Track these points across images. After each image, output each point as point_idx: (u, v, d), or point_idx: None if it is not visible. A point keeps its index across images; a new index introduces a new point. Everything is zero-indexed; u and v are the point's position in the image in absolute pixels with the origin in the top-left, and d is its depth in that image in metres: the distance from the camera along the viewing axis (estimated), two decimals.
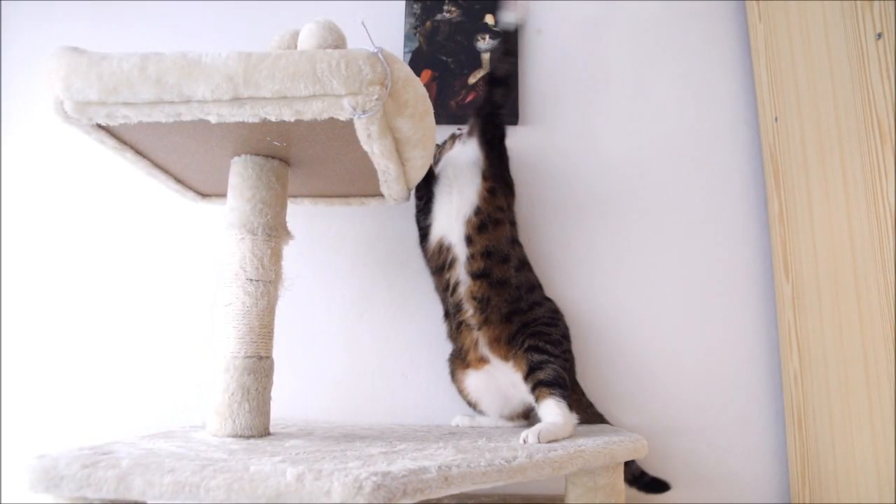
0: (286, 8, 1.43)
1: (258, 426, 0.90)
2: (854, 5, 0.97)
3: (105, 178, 1.36)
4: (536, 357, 1.02)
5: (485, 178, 1.13)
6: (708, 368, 1.25)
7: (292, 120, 0.79)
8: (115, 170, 1.30)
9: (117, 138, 0.93)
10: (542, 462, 0.77)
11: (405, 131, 0.87)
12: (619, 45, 1.41)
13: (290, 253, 1.01)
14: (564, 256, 1.30)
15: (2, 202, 1.36)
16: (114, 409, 1.25)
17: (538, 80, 1.40)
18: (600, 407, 1.19)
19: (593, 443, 0.88)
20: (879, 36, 0.91)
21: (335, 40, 0.85)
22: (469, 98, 1.35)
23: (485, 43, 1.39)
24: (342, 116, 0.78)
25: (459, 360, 1.14)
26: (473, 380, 1.12)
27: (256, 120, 0.79)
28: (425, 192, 1.19)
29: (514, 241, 1.16)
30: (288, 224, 1.02)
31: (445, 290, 1.12)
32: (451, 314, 1.13)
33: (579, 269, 1.30)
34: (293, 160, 1.01)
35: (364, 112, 0.76)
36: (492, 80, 1.23)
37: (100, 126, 0.88)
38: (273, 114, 0.78)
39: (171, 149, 0.97)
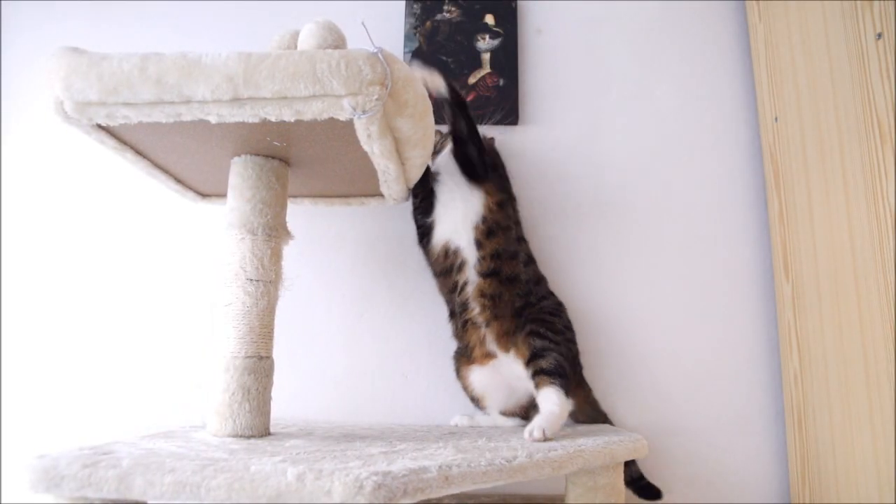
0: (286, 8, 1.43)
1: (258, 426, 0.90)
2: (854, 5, 0.97)
3: (105, 178, 1.36)
4: (538, 343, 1.02)
5: (489, 193, 1.13)
6: (708, 368, 1.25)
7: (292, 120, 0.78)
8: (115, 170, 1.30)
9: (117, 138, 0.93)
10: (542, 462, 0.77)
11: (405, 131, 0.87)
12: (619, 45, 1.41)
13: (290, 253, 1.01)
14: (564, 256, 1.30)
15: (2, 202, 1.37)
16: (114, 408, 1.25)
17: (538, 80, 1.40)
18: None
19: (593, 442, 0.88)
20: (879, 36, 0.91)
21: (335, 40, 0.85)
22: (469, 98, 1.35)
23: (485, 43, 1.39)
24: (342, 116, 0.78)
25: (465, 358, 1.14)
26: (478, 375, 1.12)
27: (256, 120, 0.79)
28: (422, 190, 1.18)
29: (521, 239, 1.17)
30: (288, 224, 1.02)
31: (452, 291, 1.13)
32: (458, 314, 1.14)
33: (578, 269, 1.30)
34: (293, 160, 1.01)
35: (364, 112, 0.76)
36: (454, 136, 1.15)
37: (100, 126, 0.88)
38: (273, 114, 0.78)
39: (171, 149, 0.97)
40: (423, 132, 0.91)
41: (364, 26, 0.84)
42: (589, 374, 1.20)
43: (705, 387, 1.24)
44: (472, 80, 1.37)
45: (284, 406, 1.11)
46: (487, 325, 1.09)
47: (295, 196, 1.21)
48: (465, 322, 1.11)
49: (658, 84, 1.39)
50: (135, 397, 1.26)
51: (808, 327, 1.12)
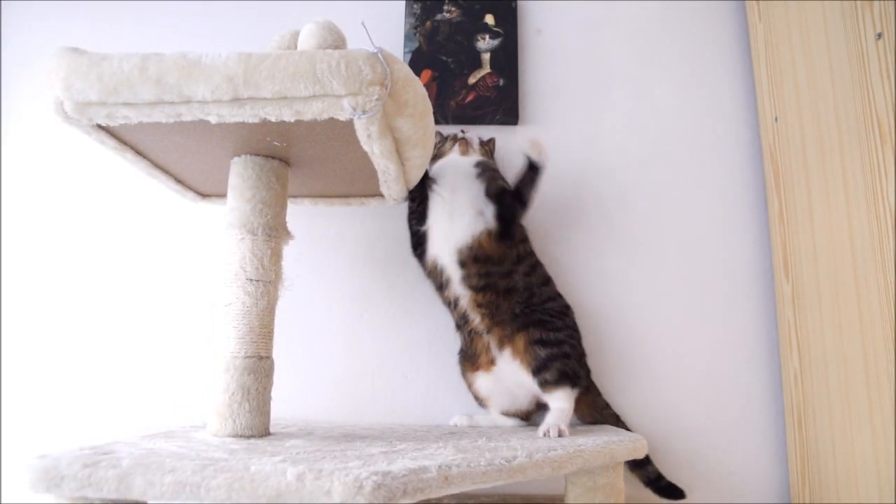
0: (286, 8, 1.43)
1: (258, 426, 0.90)
2: (854, 5, 0.97)
3: (105, 179, 1.36)
4: (543, 353, 1.02)
5: (489, 231, 1.09)
6: (708, 368, 1.25)
7: (292, 120, 0.79)
8: (115, 170, 1.30)
9: (117, 139, 0.93)
10: (541, 462, 0.77)
11: (405, 131, 0.87)
12: (620, 45, 1.41)
13: (290, 253, 1.02)
14: (564, 256, 1.30)
15: (2, 202, 1.37)
16: (114, 408, 1.25)
17: (538, 80, 1.40)
18: None
19: (593, 442, 0.88)
20: (879, 36, 0.91)
21: (335, 41, 0.85)
22: (469, 98, 1.35)
23: (485, 43, 1.39)
24: (342, 117, 0.78)
25: (471, 363, 1.14)
26: (483, 380, 1.12)
27: (256, 120, 0.79)
28: (419, 195, 1.16)
29: (521, 258, 1.12)
30: (288, 224, 1.02)
31: (449, 304, 1.13)
32: (461, 325, 1.13)
33: (578, 269, 1.30)
34: (293, 160, 1.01)
35: (364, 112, 0.76)
36: (519, 197, 1.13)
37: (100, 126, 0.88)
38: (273, 114, 0.78)
39: (172, 149, 0.97)
40: (423, 132, 0.91)
41: (364, 26, 0.84)
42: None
43: (705, 387, 1.24)
44: (472, 80, 1.37)
45: (284, 406, 1.11)
46: (489, 331, 1.09)
47: (295, 196, 1.21)
48: (470, 332, 1.11)
49: (658, 84, 1.39)
50: (135, 397, 1.26)
51: (808, 327, 1.12)
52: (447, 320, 1.20)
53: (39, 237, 1.34)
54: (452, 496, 0.87)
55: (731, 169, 1.34)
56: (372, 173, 1.00)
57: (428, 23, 1.40)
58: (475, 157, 1.20)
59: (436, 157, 1.21)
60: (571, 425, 1.02)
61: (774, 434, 1.22)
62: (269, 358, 0.95)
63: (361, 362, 1.28)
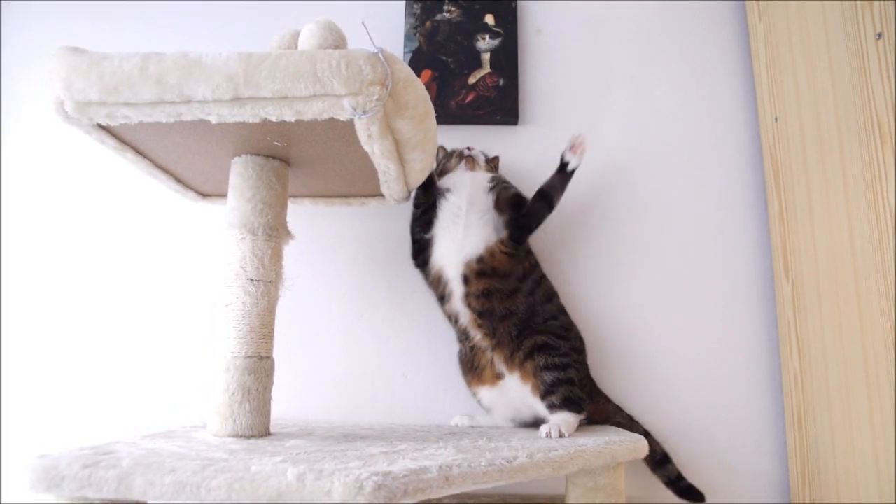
0: (286, 8, 1.43)
1: (259, 426, 0.90)
2: (854, 5, 0.97)
3: (105, 178, 1.36)
4: (549, 377, 1.02)
5: (501, 242, 1.10)
6: (708, 368, 1.25)
7: (293, 120, 0.78)
8: (115, 170, 1.30)
9: (118, 138, 0.93)
10: (542, 462, 0.77)
11: (405, 132, 0.87)
12: (620, 46, 1.41)
13: (291, 253, 1.01)
14: (563, 256, 1.30)
15: (2, 202, 1.36)
16: (114, 408, 1.25)
17: (538, 80, 1.40)
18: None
19: (594, 443, 0.88)
20: (879, 36, 0.91)
21: (336, 40, 0.85)
22: (469, 98, 1.35)
23: (485, 43, 1.39)
24: (343, 117, 0.78)
25: (474, 376, 1.13)
26: (488, 394, 1.11)
27: (257, 120, 0.79)
28: (424, 202, 1.16)
29: (526, 275, 1.12)
30: (288, 224, 1.02)
31: (450, 318, 1.13)
32: (462, 340, 1.13)
33: (578, 269, 1.30)
34: (294, 160, 1.01)
35: (364, 112, 0.76)
36: (546, 198, 1.14)
37: (100, 126, 0.88)
38: (273, 114, 0.78)
39: (172, 149, 0.97)
40: (423, 134, 0.91)
41: (365, 26, 0.84)
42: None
43: (705, 387, 1.24)
44: (472, 80, 1.37)
45: (285, 406, 1.11)
46: (493, 349, 1.09)
47: (295, 196, 1.21)
48: (472, 347, 1.11)
49: (658, 84, 1.39)
50: (135, 397, 1.26)
51: (808, 327, 1.12)
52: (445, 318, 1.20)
53: (39, 237, 1.34)
54: (453, 496, 0.87)
55: (731, 169, 1.34)
56: (372, 173, 1.00)
57: (428, 23, 1.40)
58: (489, 173, 1.20)
59: (442, 172, 1.21)
60: None
61: (774, 434, 1.22)
62: (269, 358, 0.95)
63: (361, 362, 1.28)
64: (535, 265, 1.16)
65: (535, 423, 1.10)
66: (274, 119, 0.78)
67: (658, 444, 1.13)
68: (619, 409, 1.17)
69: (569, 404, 1.00)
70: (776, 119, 1.23)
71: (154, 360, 1.28)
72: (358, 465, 0.66)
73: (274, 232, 0.96)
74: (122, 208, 1.35)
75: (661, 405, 1.23)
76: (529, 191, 1.21)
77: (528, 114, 1.38)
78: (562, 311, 1.15)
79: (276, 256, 0.96)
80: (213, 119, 0.80)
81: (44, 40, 1.44)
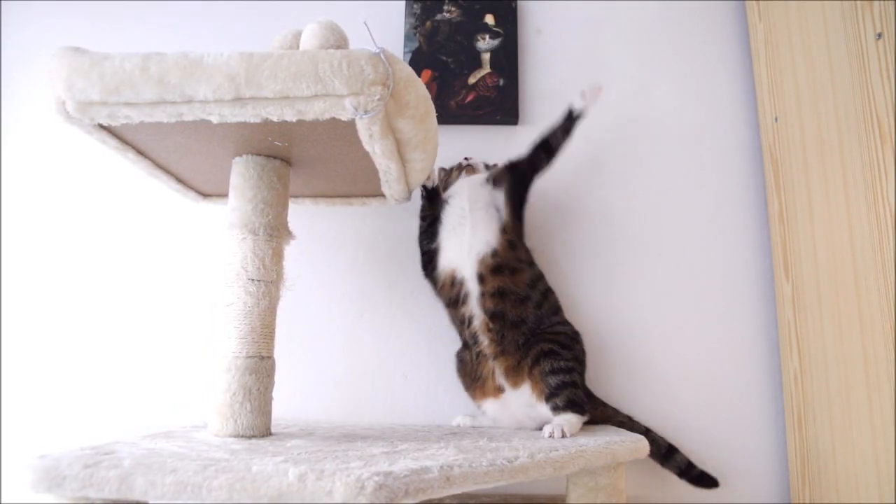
0: (286, 8, 1.43)
1: (260, 426, 0.90)
2: (854, 5, 0.97)
3: (106, 178, 1.36)
4: (554, 381, 1.02)
5: (504, 231, 1.11)
6: (708, 368, 1.25)
7: (294, 120, 0.78)
8: (116, 170, 1.30)
9: (119, 138, 0.93)
10: (543, 462, 0.77)
11: (406, 132, 0.87)
12: (619, 45, 1.41)
13: (291, 253, 1.01)
14: (563, 256, 1.30)
15: (2, 202, 1.36)
16: (115, 408, 1.25)
17: (538, 80, 1.40)
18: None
19: (594, 443, 0.88)
20: (879, 36, 0.91)
21: (337, 41, 0.85)
22: (469, 98, 1.35)
23: (485, 43, 1.39)
24: (344, 116, 0.78)
25: (477, 387, 1.12)
26: (491, 405, 1.11)
27: (258, 120, 0.79)
28: (430, 214, 1.18)
29: (535, 283, 1.12)
30: (289, 224, 1.02)
31: (462, 322, 1.12)
32: (470, 345, 1.12)
33: (578, 269, 1.30)
34: (295, 160, 1.01)
35: (366, 112, 0.76)
36: (544, 145, 1.17)
37: (101, 126, 0.88)
38: (275, 114, 0.78)
39: (173, 149, 0.97)
40: (424, 134, 0.91)
41: (366, 26, 0.84)
42: (588, 374, 1.20)
43: (705, 387, 1.24)
44: (472, 80, 1.37)
45: (285, 406, 1.11)
46: (495, 358, 1.08)
47: (296, 196, 1.21)
48: (478, 354, 1.10)
49: (658, 84, 1.39)
50: (136, 397, 1.26)
51: (808, 327, 1.12)
52: (447, 320, 1.20)
53: (40, 237, 1.34)
54: (454, 496, 0.87)
55: (731, 169, 1.34)
56: (373, 173, 1.00)
57: (428, 23, 1.40)
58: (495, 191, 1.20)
59: (446, 187, 1.22)
60: None
61: (774, 434, 1.22)
62: (270, 358, 0.95)
63: (361, 362, 1.28)
64: (541, 276, 1.15)
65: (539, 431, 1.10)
66: (275, 119, 0.78)
67: (661, 437, 1.13)
68: (616, 412, 1.17)
69: (573, 406, 1.01)
70: (776, 119, 1.24)
71: (154, 361, 1.27)
72: (359, 465, 0.66)
73: (275, 232, 0.96)
74: (123, 208, 1.35)
75: (661, 405, 1.23)
76: (530, 193, 1.21)
77: (528, 114, 1.38)
78: (566, 322, 1.15)
79: (277, 256, 0.96)
80: (215, 119, 0.80)
81: (44, 40, 1.44)
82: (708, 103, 1.38)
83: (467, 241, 1.10)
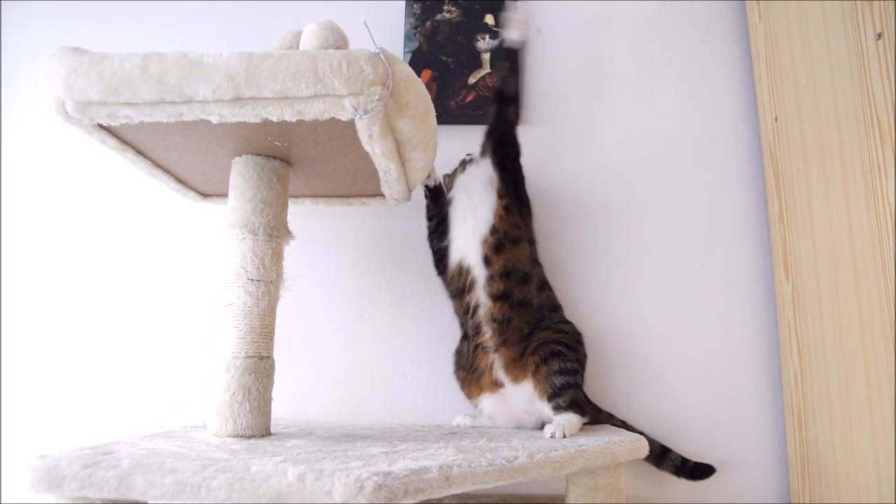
0: (286, 8, 1.43)
1: (259, 426, 0.90)
2: (854, 5, 0.97)
3: (106, 178, 1.36)
4: (559, 381, 1.02)
5: (500, 196, 1.13)
6: (708, 368, 1.25)
7: (294, 120, 0.79)
8: (115, 170, 1.30)
9: (118, 138, 0.93)
10: (542, 462, 0.77)
11: (406, 132, 0.87)
12: (619, 46, 1.41)
13: (291, 253, 1.01)
14: (563, 256, 1.30)
15: (2, 202, 1.36)
16: (115, 409, 1.25)
17: (538, 80, 1.40)
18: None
19: (594, 443, 0.88)
20: (879, 36, 0.91)
21: (337, 41, 0.85)
22: (469, 98, 1.35)
23: (485, 43, 1.39)
24: (344, 117, 0.78)
25: (473, 382, 1.12)
26: (488, 402, 1.11)
27: (258, 120, 0.79)
28: (436, 214, 1.20)
29: (535, 261, 1.15)
30: (289, 224, 1.02)
31: (466, 312, 1.12)
32: (470, 337, 1.12)
33: (578, 269, 1.30)
34: (294, 160, 1.01)
35: (365, 112, 0.76)
36: (500, 98, 1.19)
37: (101, 126, 0.88)
38: (274, 114, 0.78)
39: (173, 149, 0.97)
40: (423, 134, 0.91)
41: (366, 26, 0.84)
42: (588, 373, 1.20)
43: (705, 387, 1.24)
44: (472, 80, 1.37)
45: (285, 406, 1.11)
46: (496, 350, 1.08)
47: (296, 196, 1.21)
48: (476, 346, 1.10)
49: (658, 84, 1.39)
50: (135, 397, 1.26)
51: (808, 327, 1.12)
52: (447, 320, 1.20)
53: (40, 237, 1.34)
54: (453, 496, 0.87)
55: (731, 169, 1.34)
56: (373, 173, 1.00)
57: (428, 23, 1.40)
58: (482, 161, 1.21)
59: (450, 187, 1.23)
60: None
61: (774, 434, 1.22)
62: (269, 358, 0.95)
63: (361, 362, 1.28)
64: (538, 262, 1.17)
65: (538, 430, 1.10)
66: (275, 119, 0.79)
67: (654, 440, 1.13)
68: (610, 416, 1.17)
69: (574, 406, 1.01)
70: (776, 119, 1.24)
71: (154, 361, 1.28)
72: (358, 465, 0.66)
73: (274, 232, 0.96)
74: (123, 208, 1.35)
75: (661, 405, 1.23)
76: (530, 191, 1.21)
77: (528, 114, 1.38)
78: (567, 321, 1.15)
79: (277, 256, 0.96)
80: (214, 119, 0.80)
81: (44, 40, 1.44)
82: (708, 103, 1.38)
83: (471, 227, 1.12)
